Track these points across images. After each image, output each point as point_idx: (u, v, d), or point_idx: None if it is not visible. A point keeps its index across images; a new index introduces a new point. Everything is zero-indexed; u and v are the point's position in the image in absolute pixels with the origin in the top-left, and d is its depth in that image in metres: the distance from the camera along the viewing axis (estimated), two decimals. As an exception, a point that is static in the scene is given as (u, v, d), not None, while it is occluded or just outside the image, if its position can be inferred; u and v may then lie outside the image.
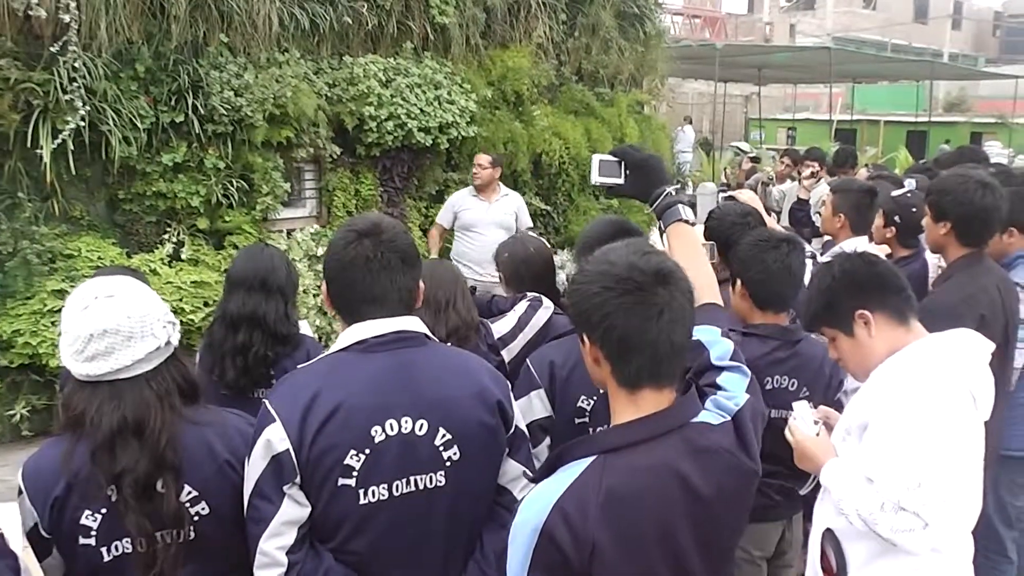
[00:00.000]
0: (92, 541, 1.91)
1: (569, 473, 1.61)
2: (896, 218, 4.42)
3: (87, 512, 1.89)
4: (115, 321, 1.91)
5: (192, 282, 6.03)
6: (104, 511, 1.90)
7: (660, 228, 2.29)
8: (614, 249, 1.70)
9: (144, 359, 1.94)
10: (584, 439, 1.73)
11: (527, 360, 2.62)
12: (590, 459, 1.62)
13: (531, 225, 6.93)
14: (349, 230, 2.05)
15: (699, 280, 1.86)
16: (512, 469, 2.14)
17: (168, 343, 1.99)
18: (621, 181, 2.34)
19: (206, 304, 6.01)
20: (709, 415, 1.70)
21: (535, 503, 1.60)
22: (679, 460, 1.62)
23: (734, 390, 1.77)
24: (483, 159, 6.78)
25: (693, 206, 2.44)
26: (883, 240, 4.51)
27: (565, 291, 3.94)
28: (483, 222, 6.72)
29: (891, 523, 2.11)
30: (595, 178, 2.35)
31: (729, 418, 1.71)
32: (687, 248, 2.12)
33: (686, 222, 2.18)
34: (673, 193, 2.27)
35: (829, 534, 2.33)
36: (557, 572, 1.56)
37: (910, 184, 5.36)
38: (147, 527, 1.89)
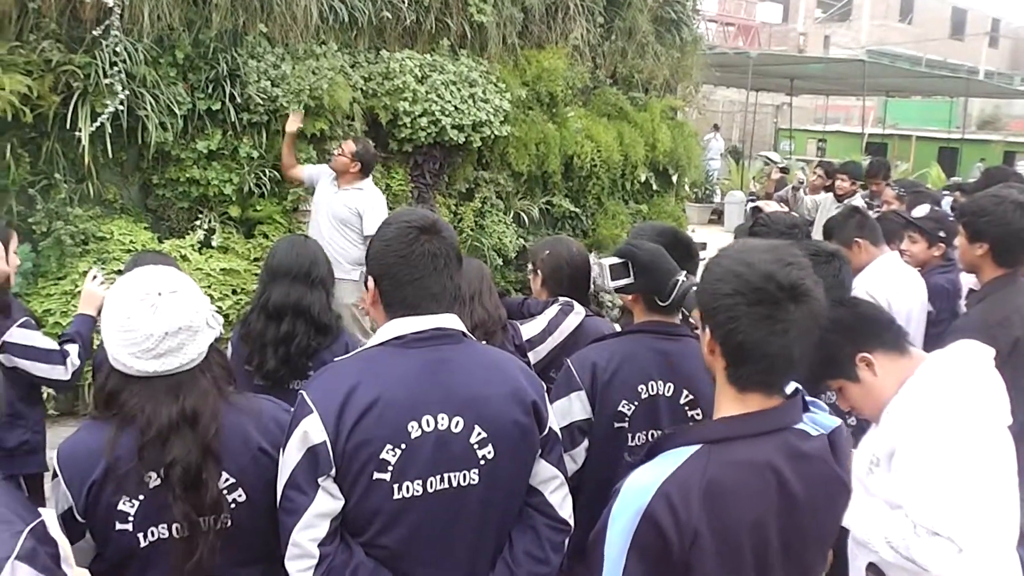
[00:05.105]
0: (129, 527, 1.91)
1: (672, 460, 1.63)
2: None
3: (124, 498, 1.90)
4: (187, 318, 1.93)
5: (221, 269, 6.07)
6: (142, 497, 1.90)
7: (683, 314, 2.42)
8: (755, 250, 1.70)
9: (204, 351, 1.96)
10: (687, 428, 1.79)
11: (568, 361, 2.60)
12: (694, 448, 1.64)
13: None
14: (408, 225, 2.03)
15: None
16: (544, 470, 2.12)
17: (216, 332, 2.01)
18: (631, 280, 2.44)
19: (234, 292, 6.05)
20: (807, 426, 1.72)
21: (638, 487, 1.62)
22: (778, 460, 1.64)
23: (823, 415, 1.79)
24: (348, 147, 5.94)
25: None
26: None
27: (596, 291, 3.94)
28: (321, 208, 6.00)
29: (925, 548, 2.09)
30: (607, 284, 2.45)
31: (826, 433, 1.72)
32: None
33: None
34: (683, 279, 2.38)
35: (873, 568, 2.31)
36: (656, 556, 1.58)
37: (947, 202, 5.33)
38: (192, 514, 1.89)
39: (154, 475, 1.90)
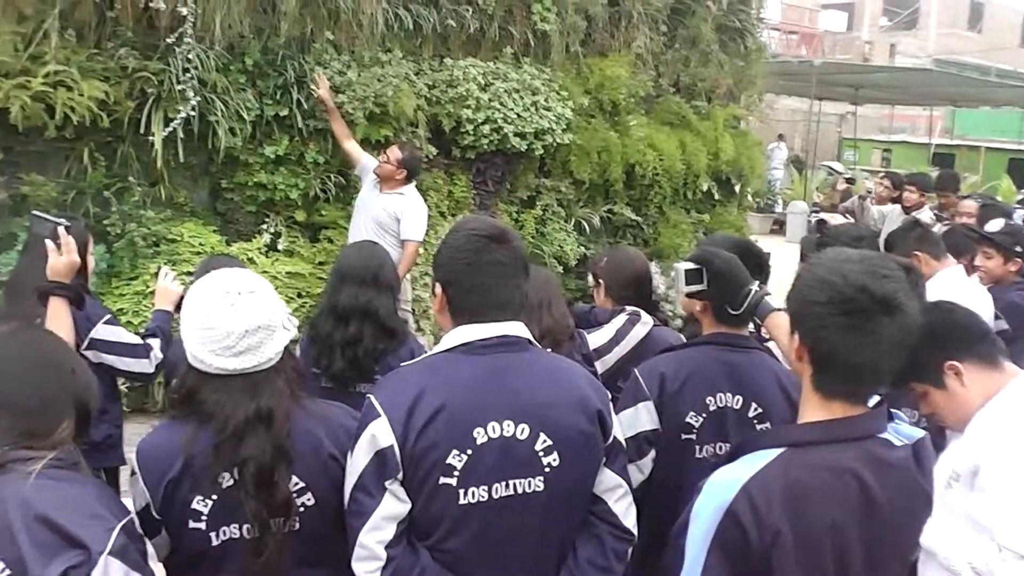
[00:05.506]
0: (202, 525, 1.95)
1: (756, 460, 1.68)
2: None
3: (199, 497, 1.94)
4: (266, 316, 1.97)
5: (287, 273, 6.18)
6: (215, 497, 1.94)
7: (755, 323, 2.43)
8: (851, 261, 1.71)
9: (280, 352, 2.00)
10: (771, 431, 1.89)
11: (635, 370, 2.59)
12: (778, 450, 1.68)
13: (417, 239, 6.03)
14: (477, 235, 2.05)
15: None
16: (608, 479, 2.12)
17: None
18: (705, 287, 2.45)
19: (299, 295, 6.16)
20: (892, 436, 1.74)
21: (721, 484, 1.67)
22: (861, 466, 1.67)
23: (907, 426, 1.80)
24: (394, 153, 5.95)
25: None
26: None
27: (656, 300, 3.93)
28: (361, 210, 6.05)
29: (1010, 573, 2.04)
30: (681, 287, 2.46)
31: (910, 444, 1.73)
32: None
33: (779, 310, 2.29)
34: (756, 288, 2.38)
35: None
36: (737, 553, 1.61)
37: (1019, 216, 5.21)
38: (263, 514, 1.93)
39: (227, 475, 1.94)
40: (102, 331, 3.28)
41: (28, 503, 1.66)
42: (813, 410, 1.74)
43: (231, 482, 1.94)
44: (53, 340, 2.09)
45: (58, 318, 2.84)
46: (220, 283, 2.01)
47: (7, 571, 1.62)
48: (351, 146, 6.31)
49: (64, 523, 1.65)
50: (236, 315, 1.95)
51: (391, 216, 5.90)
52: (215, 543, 1.96)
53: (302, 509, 2.01)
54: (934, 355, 2.32)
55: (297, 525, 2.00)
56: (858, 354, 1.66)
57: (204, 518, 1.95)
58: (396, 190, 5.97)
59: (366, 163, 6.22)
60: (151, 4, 5.42)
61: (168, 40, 5.61)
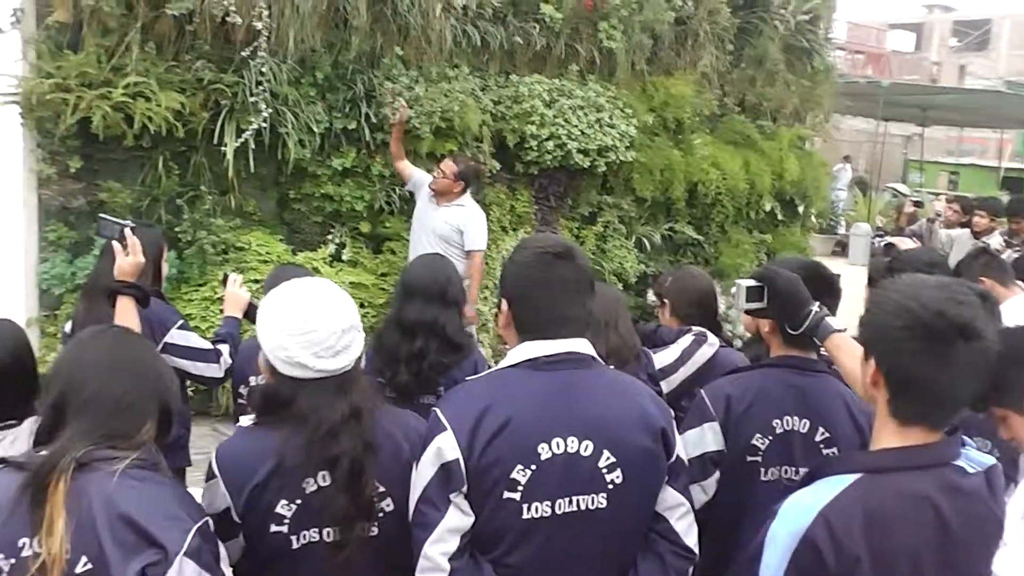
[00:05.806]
0: (284, 528, 1.98)
1: (833, 486, 1.67)
2: None
3: (283, 501, 1.98)
4: (355, 316, 2.05)
5: (350, 283, 6.26)
6: (299, 502, 1.98)
7: (817, 344, 2.40)
8: (927, 286, 1.71)
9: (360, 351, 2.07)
10: (847, 456, 1.89)
11: (701, 391, 2.59)
12: (855, 476, 1.68)
13: (482, 248, 6.03)
14: (543, 251, 2.07)
15: None
16: (671, 497, 2.12)
17: None
18: (764, 305, 2.44)
19: (362, 305, 6.22)
20: (965, 463, 1.73)
21: (797, 509, 1.67)
22: (937, 494, 1.66)
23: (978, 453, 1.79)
24: (449, 167, 5.90)
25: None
26: None
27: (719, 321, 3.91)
28: (421, 224, 6.02)
29: None
30: (741, 304, 2.45)
31: (982, 471, 1.73)
32: (853, 354, 2.11)
33: (839, 331, 2.29)
34: (816, 309, 2.36)
35: None
36: None
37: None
38: (353, 512, 1.97)
39: (311, 480, 1.98)
40: (175, 336, 3.37)
41: (112, 501, 1.72)
42: (889, 436, 1.73)
43: (315, 487, 1.99)
44: (139, 343, 2.15)
45: (126, 317, 2.93)
46: (306, 289, 2.08)
47: (89, 565, 1.68)
48: (403, 165, 6.30)
49: (144, 523, 1.70)
50: (333, 315, 2.01)
51: (454, 229, 5.89)
52: (295, 546, 2.00)
53: (381, 515, 2.05)
54: (1017, 379, 2.28)
55: (375, 531, 2.04)
56: (936, 380, 1.65)
57: (287, 522, 1.99)
58: (455, 202, 5.96)
59: (419, 178, 6.21)
60: (228, 19, 5.56)
61: (243, 53, 5.75)
